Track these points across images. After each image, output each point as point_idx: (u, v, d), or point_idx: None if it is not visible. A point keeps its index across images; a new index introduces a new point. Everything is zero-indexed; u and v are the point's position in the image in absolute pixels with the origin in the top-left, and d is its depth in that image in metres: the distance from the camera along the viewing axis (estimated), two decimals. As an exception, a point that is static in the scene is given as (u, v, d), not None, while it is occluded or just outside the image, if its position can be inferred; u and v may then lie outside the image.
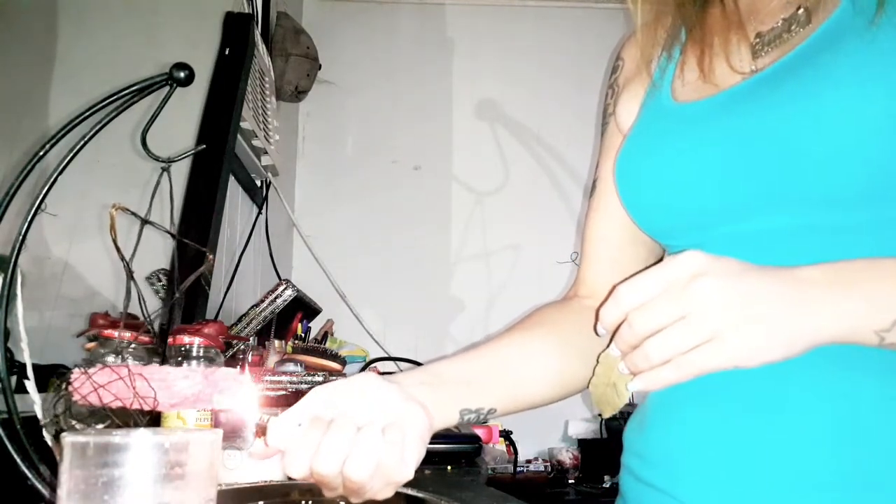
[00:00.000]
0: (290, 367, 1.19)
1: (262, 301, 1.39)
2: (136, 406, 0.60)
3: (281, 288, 1.39)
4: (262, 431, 0.54)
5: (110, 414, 0.61)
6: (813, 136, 0.54)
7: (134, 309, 0.71)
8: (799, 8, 0.62)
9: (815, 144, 0.54)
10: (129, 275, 0.65)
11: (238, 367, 0.85)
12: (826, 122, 0.54)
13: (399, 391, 0.58)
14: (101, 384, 0.59)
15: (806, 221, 0.57)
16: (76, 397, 0.59)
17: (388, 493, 0.55)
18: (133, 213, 0.65)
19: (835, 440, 0.53)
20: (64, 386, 0.59)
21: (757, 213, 0.59)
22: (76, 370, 0.59)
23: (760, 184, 0.58)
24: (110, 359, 0.70)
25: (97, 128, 0.55)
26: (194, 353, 0.75)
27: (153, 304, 1.01)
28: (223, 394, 0.64)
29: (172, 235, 0.74)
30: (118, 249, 0.63)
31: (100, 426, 0.62)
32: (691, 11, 0.72)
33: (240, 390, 0.61)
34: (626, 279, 0.55)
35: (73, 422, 0.61)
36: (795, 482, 0.54)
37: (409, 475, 0.55)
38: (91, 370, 0.59)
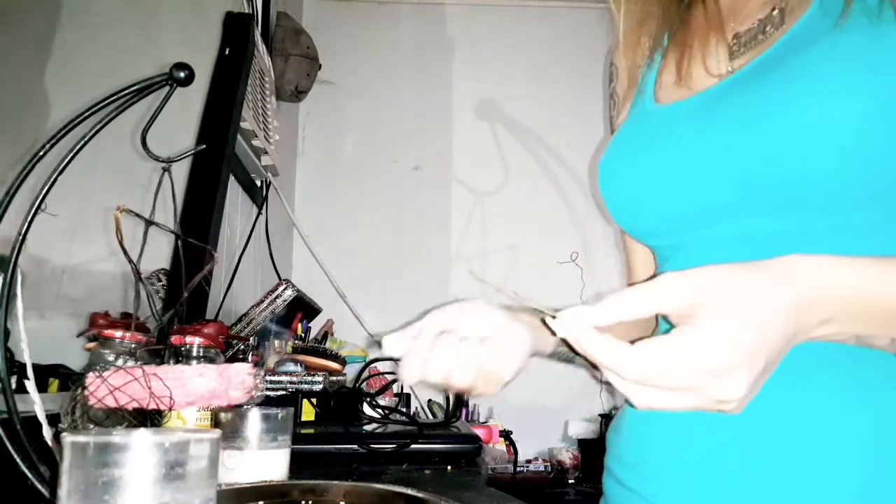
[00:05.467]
0: (290, 367, 1.19)
1: (262, 301, 1.39)
2: (152, 406, 0.61)
3: (281, 288, 1.39)
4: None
5: (127, 415, 0.61)
6: (783, 138, 0.54)
7: (135, 309, 0.71)
8: (774, 9, 0.62)
9: (785, 146, 0.54)
10: (138, 277, 0.65)
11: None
12: (795, 126, 0.53)
13: (505, 312, 0.63)
14: (116, 386, 0.59)
15: (781, 225, 0.56)
16: (92, 401, 0.59)
17: (495, 390, 0.61)
18: (138, 215, 0.65)
19: (814, 445, 0.53)
20: (80, 390, 0.59)
21: (732, 216, 0.59)
22: (90, 374, 0.59)
23: (734, 186, 0.58)
24: (120, 360, 0.69)
25: (97, 128, 0.55)
26: (194, 353, 0.75)
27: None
28: (238, 389, 0.64)
29: (178, 236, 0.74)
30: (125, 252, 0.63)
31: (119, 428, 0.62)
32: (675, 14, 0.73)
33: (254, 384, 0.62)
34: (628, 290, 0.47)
35: (91, 426, 0.61)
36: (773, 488, 0.53)
37: (510, 376, 0.60)
38: (106, 373, 0.59)
